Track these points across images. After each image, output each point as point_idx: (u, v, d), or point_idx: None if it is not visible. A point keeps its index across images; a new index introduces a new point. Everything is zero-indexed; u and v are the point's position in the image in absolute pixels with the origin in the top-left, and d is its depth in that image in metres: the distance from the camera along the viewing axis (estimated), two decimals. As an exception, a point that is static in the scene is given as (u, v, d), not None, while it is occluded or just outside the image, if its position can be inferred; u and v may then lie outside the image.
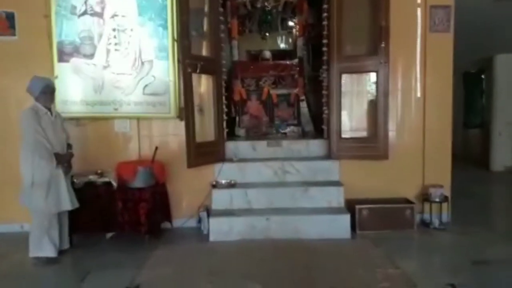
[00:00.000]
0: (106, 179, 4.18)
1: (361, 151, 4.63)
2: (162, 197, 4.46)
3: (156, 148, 4.24)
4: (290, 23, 6.68)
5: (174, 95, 4.47)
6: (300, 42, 6.00)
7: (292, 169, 4.69)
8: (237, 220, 4.20)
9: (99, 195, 4.18)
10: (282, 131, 5.77)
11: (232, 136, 5.65)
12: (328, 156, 4.79)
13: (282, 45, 7.89)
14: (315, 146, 4.98)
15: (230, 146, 4.91)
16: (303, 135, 5.74)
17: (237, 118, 5.89)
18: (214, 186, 4.49)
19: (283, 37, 7.86)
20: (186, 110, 4.16)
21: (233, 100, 5.93)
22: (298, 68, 6.02)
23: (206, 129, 4.65)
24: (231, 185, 4.52)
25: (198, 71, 4.25)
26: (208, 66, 4.46)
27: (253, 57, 7.52)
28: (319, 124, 5.95)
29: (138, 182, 4.12)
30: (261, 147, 4.95)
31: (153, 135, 4.63)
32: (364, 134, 4.82)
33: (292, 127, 5.82)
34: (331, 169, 4.71)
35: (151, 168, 4.17)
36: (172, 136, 4.60)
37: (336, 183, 4.60)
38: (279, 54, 7.24)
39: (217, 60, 4.59)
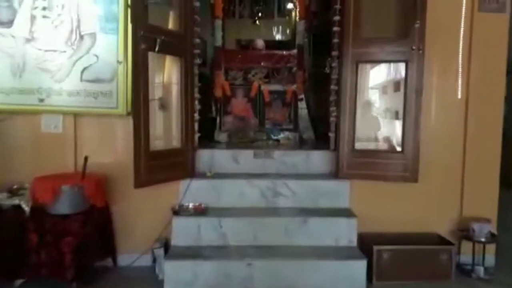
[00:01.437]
0: (16, 201, 2.83)
1: (381, 169, 3.33)
2: (101, 227, 3.11)
3: (86, 158, 2.90)
4: (289, 6, 5.38)
5: (124, 83, 3.14)
6: (300, 26, 4.68)
7: (286, 191, 3.37)
8: (205, 265, 2.87)
9: (7, 224, 2.84)
10: (275, 138, 4.46)
11: (210, 141, 4.33)
12: (335, 174, 3.47)
13: (278, 36, 6.68)
14: (317, 159, 3.66)
15: (204, 156, 3.58)
16: (301, 144, 4.42)
17: (218, 119, 4.57)
18: (175, 213, 3.15)
19: (280, 27, 6.63)
20: (135, 104, 2.83)
21: (214, 97, 4.62)
22: (297, 60, 4.72)
23: (168, 133, 3.33)
24: (200, 211, 3.19)
25: (157, 49, 2.92)
26: (174, 44, 3.13)
27: (243, 48, 6.25)
28: (321, 130, 4.67)
29: (61, 206, 2.78)
30: (246, 158, 3.63)
31: (95, 138, 3.28)
32: (385, 146, 3.52)
33: (287, 133, 4.51)
34: (338, 192, 3.40)
35: (80, 187, 2.82)
36: (120, 140, 3.26)
37: (346, 212, 3.29)
38: (274, 46, 5.98)
39: (188, 37, 3.26)
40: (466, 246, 3.36)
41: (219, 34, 4.53)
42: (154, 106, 3.21)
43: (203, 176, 3.43)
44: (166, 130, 3.32)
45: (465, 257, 3.36)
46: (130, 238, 3.36)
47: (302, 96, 4.66)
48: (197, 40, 3.37)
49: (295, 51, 4.88)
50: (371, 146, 3.51)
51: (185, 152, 3.28)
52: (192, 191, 3.31)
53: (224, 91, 4.56)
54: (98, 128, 3.25)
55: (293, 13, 5.32)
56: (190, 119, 3.30)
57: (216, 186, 3.35)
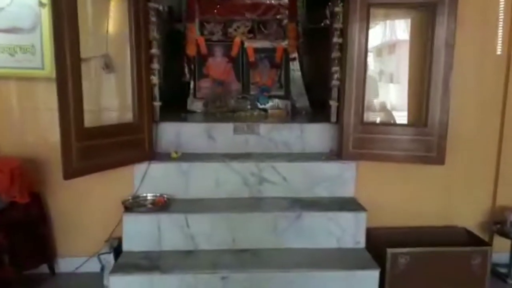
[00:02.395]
0: None
1: (396, 147, 2.54)
2: (29, 228, 2.32)
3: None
4: None
5: (51, 33, 2.24)
6: (293, -34, 3.73)
7: (275, 176, 2.59)
8: (166, 280, 2.12)
9: None
10: (261, 107, 3.62)
11: (183, 111, 3.49)
12: (338, 154, 2.69)
13: (267, -14, 5.65)
14: (315, 135, 2.85)
15: (169, 132, 2.75)
16: (294, 115, 3.60)
17: (191, 84, 3.70)
18: (127, 208, 2.35)
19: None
20: (60, 64, 1.95)
21: (186, 56, 3.73)
22: (288, 10, 3.81)
23: (116, 102, 2.48)
24: (160, 205, 2.40)
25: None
26: None
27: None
28: (318, 97, 3.84)
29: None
30: (224, 134, 2.80)
31: (13, 110, 2.41)
32: (403, 117, 2.71)
33: (276, 101, 3.67)
34: (341, 178, 2.63)
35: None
36: (49, 112, 2.38)
37: (352, 204, 2.53)
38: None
39: None
40: (501, 242, 2.64)
41: (191, -24, 3.58)
42: (94, 66, 2.35)
43: (166, 157, 2.61)
44: (112, 99, 2.47)
45: (499, 257, 2.65)
46: (73, 239, 2.58)
47: (295, 55, 3.78)
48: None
49: (285, 0, 3.97)
50: (385, 118, 2.70)
51: (139, 127, 2.44)
52: (151, 178, 2.51)
53: (198, 49, 3.66)
54: (17, 96, 2.38)
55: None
56: (146, 84, 2.44)
57: (183, 171, 2.54)
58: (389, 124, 2.62)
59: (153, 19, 2.50)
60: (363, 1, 2.47)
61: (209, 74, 3.67)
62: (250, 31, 3.85)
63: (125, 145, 2.36)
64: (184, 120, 3.02)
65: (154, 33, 2.54)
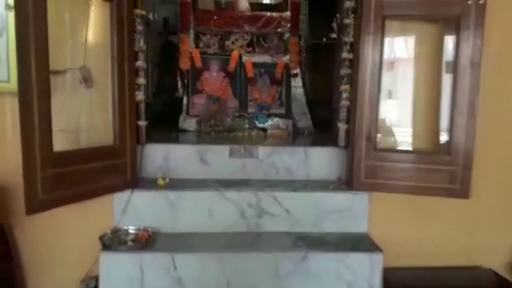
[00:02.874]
0: None
1: (416, 177, 2.21)
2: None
3: None
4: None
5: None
6: (296, -24, 3.46)
7: (276, 208, 2.24)
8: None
9: None
10: (260, 126, 3.30)
11: (175, 130, 3.16)
12: (348, 182, 2.35)
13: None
14: (321, 160, 2.52)
15: (156, 155, 2.41)
16: (295, 135, 3.27)
17: (184, 100, 3.37)
18: (105, 246, 1.99)
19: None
20: (23, 79, 1.61)
21: (179, 69, 3.42)
22: (290, 23, 3.54)
23: (94, 122, 2.14)
24: (144, 242, 2.04)
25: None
26: None
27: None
28: (322, 117, 3.55)
29: None
30: (218, 157, 2.46)
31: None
32: (421, 142, 2.39)
33: (276, 120, 3.34)
34: (353, 211, 2.28)
35: None
36: (16, 131, 2.03)
37: (365, 242, 2.19)
38: (261, 10, 4.77)
39: None
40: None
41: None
42: (69, 80, 2.02)
43: (152, 184, 2.27)
44: (90, 118, 2.13)
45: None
46: (44, 278, 2.20)
47: (297, 71, 3.49)
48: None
49: (288, 13, 3.69)
50: (401, 143, 2.38)
51: (121, 150, 2.09)
52: (134, 209, 2.16)
53: (193, 62, 3.35)
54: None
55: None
56: (129, 101, 2.10)
57: (171, 201, 2.19)
58: (407, 151, 2.29)
59: (140, 27, 2.18)
60: (377, 12, 2.17)
61: (203, 90, 3.34)
62: (249, 45, 3.58)
63: (103, 171, 2.01)
64: (174, 141, 2.68)
65: (141, 44, 2.22)
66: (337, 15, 2.64)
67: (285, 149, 2.53)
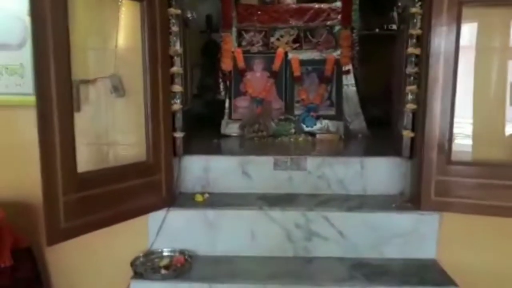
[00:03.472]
0: None
1: (499, 196, 1.80)
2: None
3: None
4: None
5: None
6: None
7: (328, 229, 1.93)
8: None
9: None
10: (307, 129, 2.98)
11: (216, 135, 2.93)
12: (414, 200, 1.99)
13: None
14: (379, 172, 2.16)
15: (195, 167, 2.18)
16: (348, 139, 2.92)
17: (226, 103, 3.13)
18: (136, 273, 1.79)
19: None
20: (42, 90, 1.43)
21: (220, 70, 3.17)
22: (342, 15, 3.16)
23: (126, 136, 1.94)
24: (179, 267, 1.82)
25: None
26: None
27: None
28: (375, 116, 3.18)
29: None
30: (262, 169, 2.19)
31: None
32: (508, 154, 1.97)
33: (326, 122, 3.00)
34: (419, 234, 1.92)
35: None
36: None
37: (435, 271, 1.82)
38: (308, 1, 4.42)
39: None
40: None
41: (227, -23, 3.02)
42: (99, 90, 1.83)
43: (189, 201, 2.04)
44: (122, 131, 1.93)
45: None
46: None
47: (349, 67, 3.11)
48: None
49: (338, 3, 3.32)
50: (482, 155, 1.96)
51: (155, 166, 1.87)
52: (169, 229, 1.94)
53: (235, 63, 3.09)
54: (2, 128, 1.90)
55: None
56: (164, 111, 1.88)
57: (209, 221, 1.95)
58: (490, 164, 1.87)
59: (175, 28, 1.94)
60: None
61: (247, 92, 3.08)
62: (295, 41, 3.25)
63: (136, 190, 1.81)
64: (215, 152, 2.44)
65: (177, 47, 1.98)
66: (399, 4, 2.25)
67: (337, 160, 2.20)
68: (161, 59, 1.85)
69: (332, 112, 3.08)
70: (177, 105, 1.98)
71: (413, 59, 1.98)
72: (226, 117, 3.07)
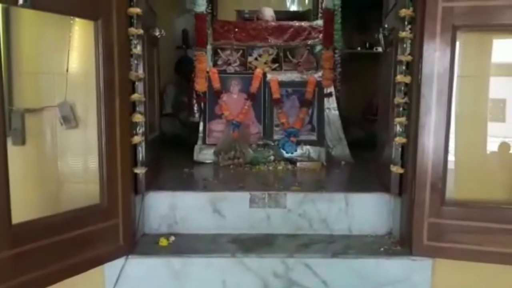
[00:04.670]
0: None
1: (501, 241, 1.61)
2: None
3: None
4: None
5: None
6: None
7: (310, 279, 1.69)
8: None
9: None
10: (287, 155, 2.76)
11: (189, 162, 2.68)
12: (403, 242, 1.78)
13: (294, 6, 4.90)
14: (365, 209, 1.95)
15: (161, 204, 1.92)
16: (330, 166, 2.71)
17: (200, 126, 2.88)
18: None
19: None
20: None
21: (194, 91, 2.93)
22: (323, 35, 2.99)
23: (78, 174, 1.67)
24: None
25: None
26: None
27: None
28: (358, 138, 3.02)
29: None
30: (236, 207, 1.94)
31: None
32: (510, 194, 1.78)
33: (307, 148, 2.80)
34: (411, 282, 1.70)
35: None
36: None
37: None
38: (287, 19, 4.27)
39: None
40: None
41: (201, -7, 2.80)
42: (47, 121, 1.56)
43: (153, 246, 1.77)
44: (72, 169, 1.66)
45: None
46: None
47: (331, 89, 2.92)
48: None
49: (319, 22, 3.16)
50: (478, 194, 1.77)
51: (110, 209, 1.60)
52: (128, 280, 1.67)
53: (211, 83, 2.86)
54: None
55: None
56: (122, 145, 1.61)
57: (175, 271, 1.68)
58: (488, 205, 1.68)
59: (137, 50, 1.69)
60: (445, 22, 1.59)
61: (222, 114, 2.85)
62: (274, 60, 3.06)
63: (88, 239, 1.53)
64: (184, 185, 2.16)
65: (139, 71, 1.73)
66: (385, 25, 2.08)
67: (320, 196, 1.97)
68: (119, 85, 1.59)
69: (313, 137, 2.88)
70: (138, 137, 1.72)
71: (402, 87, 1.79)
72: (200, 142, 2.82)
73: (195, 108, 2.99)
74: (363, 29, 4.48)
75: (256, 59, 3.05)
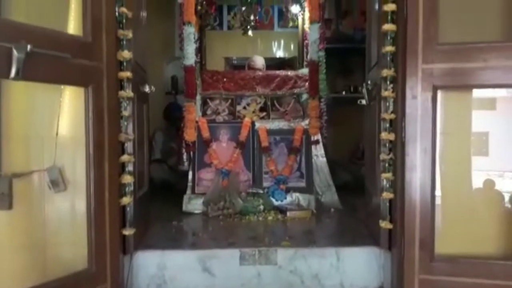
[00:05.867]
0: None
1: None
2: None
3: None
4: (294, 10, 3.74)
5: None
6: (313, 33, 2.98)
7: None
8: None
9: None
10: (277, 203, 2.76)
11: (177, 213, 2.64)
12: (396, 300, 1.75)
13: (280, 53, 5.06)
14: (357, 263, 1.93)
15: (149, 264, 1.87)
16: (320, 214, 2.69)
17: (189, 175, 2.87)
18: None
19: (282, 40, 5.02)
20: None
21: (183, 140, 2.94)
22: (309, 83, 3.07)
23: (66, 239, 1.62)
24: None
25: (14, 71, 1.23)
26: (65, 63, 1.42)
27: (236, 69, 4.66)
28: (346, 182, 3.04)
29: None
30: (226, 265, 1.89)
31: None
32: (499, 248, 1.79)
33: (296, 196, 2.80)
34: None
35: None
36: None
37: None
38: (274, 65, 4.42)
39: (99, 48, 1.55)
40: None
41: (190, 48, 2.86)
42: (35, 185, 1.54)
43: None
44: (60, 234, 1.62)
45: None
46: None
47: (318, 137, 2.97)
48: (127, 54, 1.66)
49: (304, 70, 3.25)
50: (472, 248, 1.77)
51: (98, 275, 1.54)
52: None
53: (200, 133, 2.88)
54: None
55: (300, 19, 3.69)
56: (110, 207, 1.59)
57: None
58: (481, 261, 1.68)
59: (127, 113, 1.70)
60: (426, 83, 1.66)
61: (212, 163, 2.85)
62: (262, 109, 3.11)
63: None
64: (173, 242, 2.11)
65: (129, 131, 1.74)
66: (368, 81, 2.14)
67: (311, 251, 1.95)
68: (109, 148, 1.59)
69: (302, 184, 2.89)
70: (127, 198, 1.70)
71: (386, 143, 1.82)
72: (189, 191, 2.80)
73: (184, 156, 2.99)
74: (347, 73, 4.63)
75: (244, 108, 3.10)
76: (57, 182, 1.58)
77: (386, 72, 1.78)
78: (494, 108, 2.04)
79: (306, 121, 2.97)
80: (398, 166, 1.75)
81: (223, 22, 4.60)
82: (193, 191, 2.80)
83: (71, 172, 1.62)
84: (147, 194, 2.20)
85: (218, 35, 4.53)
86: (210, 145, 2.87)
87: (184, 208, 2.71)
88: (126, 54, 1.65)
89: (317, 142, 2.96)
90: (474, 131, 1.85)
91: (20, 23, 1.33)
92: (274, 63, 4.50)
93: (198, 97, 3.03)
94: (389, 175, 1.80)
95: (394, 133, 1.78)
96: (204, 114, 3.03)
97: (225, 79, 3.17)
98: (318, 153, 2.97)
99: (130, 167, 1.74)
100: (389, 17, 1.75)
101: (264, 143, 2.90)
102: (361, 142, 3.77)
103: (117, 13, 1.63)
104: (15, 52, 1.24)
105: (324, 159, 2.96)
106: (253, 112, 3.05)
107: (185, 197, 2.75)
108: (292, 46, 4.90)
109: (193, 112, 2.87)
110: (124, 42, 1.67)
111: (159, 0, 3.98)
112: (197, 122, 2.89)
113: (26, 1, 1.58)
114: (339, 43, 4.22)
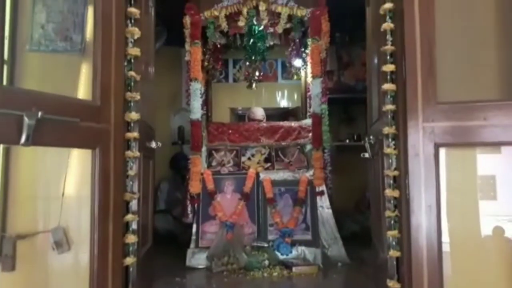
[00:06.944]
0: None
1: None
2: None
3: None
4: (297, 63, 3.86)
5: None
6: (316, 87, 3.05)
7: None
8: None
9: None
10: (282, 257, 2.69)
11: (180, 267, 2.58)
12: None
13: (284, 102, 5.15)
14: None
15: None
16: (327, 269, 2.62)
17: (193, 228, 2.83)
18: None
19: (285, 91, 5.13)
20: None
21: (188, 192, 2.93)
22: (312, 134, 3.10)
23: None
24: None
25: (25, 137, 1.26)
26: (73, 128, 1.46)
27: (241, 119, 4.74)
28: (352, 232, 2.98)
29: None
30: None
31: None
32: None
33: (302, 249, 2.74)
34: None
35: None
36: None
37: None
38: (278, 115, 4.50)
39: (108, 112, 1.59)
40: None
41: (196, 103, 2.94)
42: (39, 246, 1.53)
43: None
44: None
45: None
46: None
47: (323, 188, 2.95)
48: (134, 115, 1.70)
49: (307, 121, 3.29)
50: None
51: None
52: None
53: (205, 185, 2.88)
54: None
55: (303, 73, 3.80)
56: (113, 267, 1.56)
57: None
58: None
59: (133, 172, 1.72)
60: (428, 140, 1.66)
61: (216, 215, 2.82)
62: (267, 160, 3.11)
63: None
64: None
65: (134, 190, 1.74)
66: (370, 136, 2.16)
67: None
68: (114, 208, 1.59)
69: (308, 236, 2.83)
70: (130, 258, 1.67)
71: (391, 200, 1.80)
72: (192, 245, 2.75)
73: (189, 209, 2.96)
74: (350, 122, 4.68)
75: (249, 159, 3.11)
76: (61, 243, 1.57)
77: (388, 130, 1.80)
78: (499, 152, 2.02)
79: (311, 172, 2.96)
80: (404, 224, 1.72)
81: (229, 75, 4.74)
82: (197, 245, 2.75)
83: (76, 232, 1.61)
84: (151, 249, 2.16)
85: (223, 87, 4.66)
86: (214, 197, 2.86)
87: (187, 263, 2.65)
88: (133, 115, 1.69)
89: (322, 193, 2.93)
90: (480, 174, 1.82)
91: (31, 90, 1.39)
92: (278, 113, 4.58)
93: (204, 149, 3.06)
94: (395, 232, 1.76)
95: (398, 190, 1.76)
96: (209, 165, 3.05)
97: (230, 131, 3.21)
98: (324, 204, 2.93)
99: (134, 226, 1.73)
100: (388, 77, 1.80)
101: (269, 195, 2.88)
102: (367, 190, 3.73)
103: (126, 76, 1.69)
104: (26, 120, 1.27)
105: (330, 211, 2.92)
106: (258, 162, 3.06)
107: (189, 251, 2.70)
108: (295, 96, 5.00)
109: (199, 165, 2.89)
110: (132, 104, 1.71)
111: (167, 55, 4.13)
112: (202, 174, 2.90)
113: (38, 68, 1.65)
114: (341, 93, 4.32)
